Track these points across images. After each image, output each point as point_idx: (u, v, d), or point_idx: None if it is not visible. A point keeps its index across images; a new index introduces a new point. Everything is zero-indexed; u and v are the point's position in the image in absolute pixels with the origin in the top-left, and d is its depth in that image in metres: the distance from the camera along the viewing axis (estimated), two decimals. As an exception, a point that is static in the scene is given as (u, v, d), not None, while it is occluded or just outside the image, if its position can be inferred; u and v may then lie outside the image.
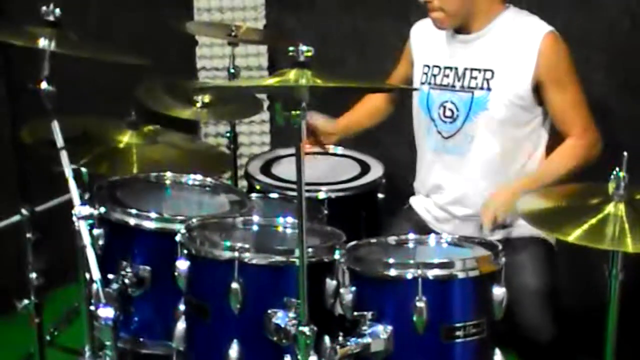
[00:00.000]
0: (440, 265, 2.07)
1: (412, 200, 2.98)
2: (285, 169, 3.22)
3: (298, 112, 1.86)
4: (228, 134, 3.53)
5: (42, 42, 2.36)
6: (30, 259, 2.64)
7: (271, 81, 1.97)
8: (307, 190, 2.93)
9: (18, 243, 2.66)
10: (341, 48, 3.92)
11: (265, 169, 3.23)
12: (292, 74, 1.90)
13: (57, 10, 2.42)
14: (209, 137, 4.21)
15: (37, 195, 2.73)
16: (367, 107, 3.14)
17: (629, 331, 2.20)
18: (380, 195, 3.12)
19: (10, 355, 2.99)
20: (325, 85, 1.91)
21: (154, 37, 3.67)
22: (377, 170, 3.20)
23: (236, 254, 2.09)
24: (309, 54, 1.90)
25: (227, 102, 3.36)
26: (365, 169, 3.23)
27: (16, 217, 2.63)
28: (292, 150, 3.16)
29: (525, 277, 2.50)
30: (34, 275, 2.64)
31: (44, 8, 2.43)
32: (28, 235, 2.62)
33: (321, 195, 2.97)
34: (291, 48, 1.91)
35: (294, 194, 2.92)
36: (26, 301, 2.65)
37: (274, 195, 2.97)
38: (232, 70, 3.49)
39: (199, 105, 3.23)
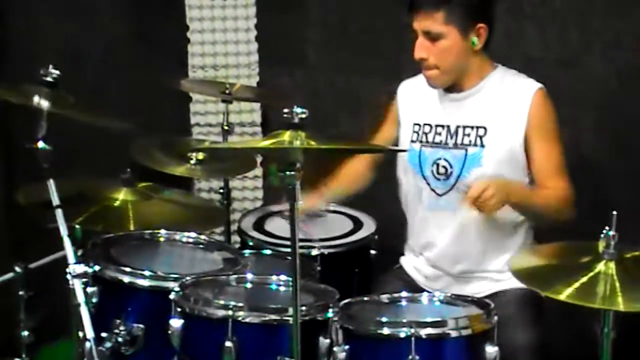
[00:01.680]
0: (433, 324, 2.07)
1: (402, 260, 2.96)
2: (278, 225, 3.19)
3: (293, 172, 1.87)
4: (221, 190, 3.52)
5: (40, 102, 2.38)
6: (22, 316, 2.64)
7: (266, 143, 1.98)
8: (301, 247, 2.98)
9: (10, 300, 2.67)
10: (334, 106, 3.93)
11: (258, 225, 3.21)
12: (286, 136, 1.92)
13: (56, 71, 2.45)
14: (202, 192, 4.19)
15: (31, 253, 2.73)
16: (349, 174, 3.11)
17: None
18: (372, 252, 3.10)
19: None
20: (319, 147, 1.92)
21: (149, 94, 3.68)
22: (369, 227, 3.19)
23: (230, 312, 2.09)
24: (303, 115, 1.91)
25: (221, 159, 3.38)
26: (357, 225, 3.21)
27: (9, 275, 2.63)
28: (284, 207, 3.20)
29: (516, 332, 2.48)
30: (25, 333, 2.64)
31: (43, 69, 2.45)
32: (21, 292, 2.64)
33: (314, 252, 2.94)
34: (286, 110, 1.93)
35: (287, 250, 2.95)
36: (17, 360, 2.66)
37: (267, 251, 2.96)
38: (226, 127, 3.50)
39: (193, 162, 3.24)
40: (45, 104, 2.39)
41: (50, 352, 2.80)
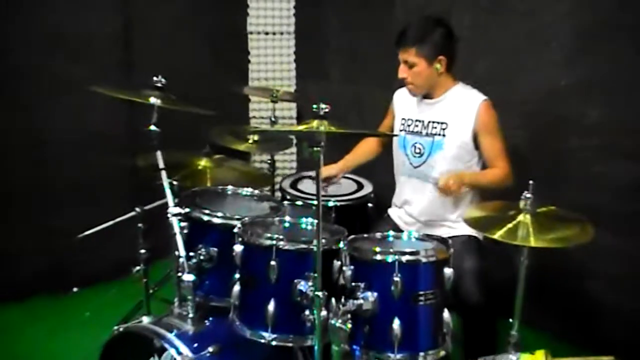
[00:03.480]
0: (411, 253, 2.05)
1: (389, 211, 2.94)
2: (307, 185, 3.18)
3: (318, 148, 1.85)
4: (269, 161, 3.49)
5: (153, 100, 2.39)
6: (140, 241, 2.66)
7: (300, 127, 1.95)
8: (322, 200, 2.96)
9: (132, 231, 2.68)
10: (345, 108, 3.87)
11: (294, 185, 3.19)
12: (314, 123, 1.90)
13: (163, 80, 2.45)
14: (256, 163, 4.20)
15: (145, 199, 2.72)
16: (364, 149, 3.07)
17: (531, 298, 2.17)
18: (369, 205, 3.07)
19: (127, 303, 2.95)
20: (338, 131, 1.90)
21: (222, 96, 3.64)
22: (368, 188, 3.16)
23: (274, 242, 2.07)
24: (327, 110, 1.90)
25: (269, 140, 3.33)
26: (360, 186, 3.18)
27: (132, 213, 2.63)
28: (312, 173, 3.19)
29: (463, 261, 2.45)
30: (143, 251, 2.66)
31: (155, 78, 2.46)
32: (139, 225, 2.66)
33: (330, 204, 2.92)
34: (315, 105, 1.90)
35: (314, 202, 2.94)
36: (137, 268, 2.67)
37: (299, 203, 2.92)
38: (273, 119, 3.47)
39: (250, 142, 3.20)
40: (156, 100, 2.39)
41: (158, 265, 2.80)
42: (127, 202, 2.71)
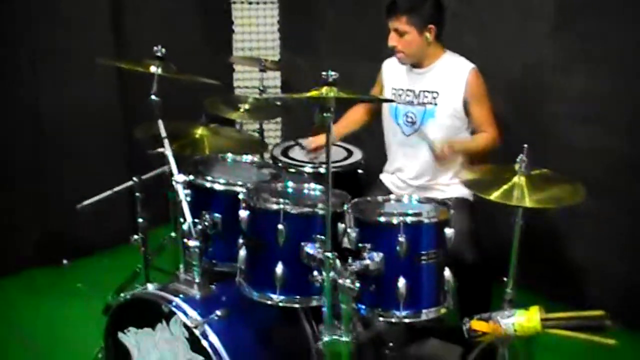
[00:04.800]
0: (414, 215, 2.10)
1: (382, 176, 3.00)
2: (296, 153, 3.19)
3: (328, 114, 1.86)
4: (258, 130, 3.50)
5: (153, 69, 2.38)
6: (138, 209, 2.66)
7: (313, 94, 1.90)
8: (313, 167, 3.00)
9: (130, 199, 2.68)
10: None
11: (284, 153, 3.21)
12: (324, 89, 1.88)
13: (163, 50, 2.43)
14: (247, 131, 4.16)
15: (142, 169, 2.72)
16: (353, 118, 3.09)
17: (528, 259, 2.25)
18: (359, 171, 3.11)
19: (126, 272, 2.96)
20: (346, 96, 1.89)
21: (207, 66, 3.61)
22: (357, 155, 3.20)
23: (282, 206, 2.09)
24: (335, 76, 1.89)
25: (259, 109, 3.31)
26: (350, 153, 3.22)
27: (130, 183, 2.63)
28: (302, 140, 3.20)
29: (457, 222, 2.50)
30: (140, 220, 2.66)
31: (155, 47, 2.44)
32: (137, 194, 2.64)
33: (321, 170, 2.94)
34: (324, 73, 1.88)
35: (304, 169, 2.98)
36: (136, 236, 2.66)
37: (292, 170, 2.97)
38: (262, 88, 3.47)
39: (242, 111, 3.21)
40: (157, 70, 2.37)
41: (155, 232, 2.81)
42: (124, 173, 2.71)
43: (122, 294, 2.32)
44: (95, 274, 3.37)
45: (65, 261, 3.42)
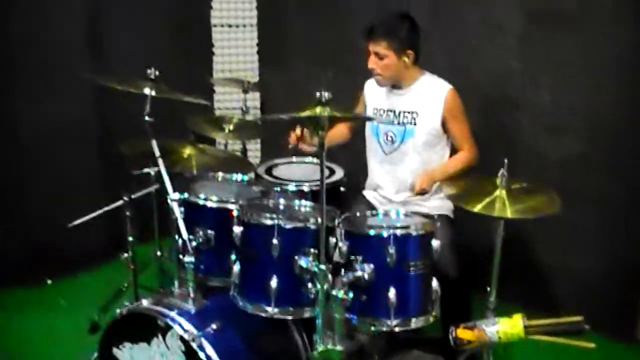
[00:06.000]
0: (402, 227, 2.19)
1: (364, 192, 3.07)
2: (282, 172, 3.24)
3: (322, 132, 1.96)
4: (241, 149, 3.56)
5: (147, 90, 2.42)
6: (128, 227, 2.69)
7: (306, 113, 1.99)
8: (297, 185, 3.05)
9: (120, 218, 2.71)
10: (308, 97, 3.92)
11: (269, 172, 3.25)
12: (317, 109, 1.97)
13: (156, 72, 2.48)
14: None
15: (129, 188, 2.76)
16: (334, 133, 3.14)
17: (506, 270, 2.32)
18: (342, 189, 3.14)
19: (109, 289, 2.99)
20: (339, 116, 2.00)
21: (189, 88, 3.67)
22: (340, 173, 3.23)
23: (276, 221, 2.16)
24: (329, 97, 1.96)
25: (242, 129, 3.34)
26: (332, 172, 3.26)
27: (119, 202, 2.67)
28: (284, 160, 3.27)
29: (438, 235, 2.59)
30: (130, 238, 2.70)
31: (148, 70, 2.49)
32: (127, 213, 2.68)
33: (305, 189, 2.98)
34: (318, 93, 1.97)
35: (290, 187, 3.03)
36: (126, 254, 2.70)
37: (277, 189, 2.96)
38: (244, 109, 3.54)
39: (227, 131, 3.25)
40: (151, 92, 2.42)
41: (143, 249, 2.84)
42: (114, 192, 2.75)
43: (117, 310, 2.34)
44: (79, 292, 3.38)
45: (49, 280, 3.43)
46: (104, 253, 3.30)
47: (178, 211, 2.29)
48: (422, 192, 2.69)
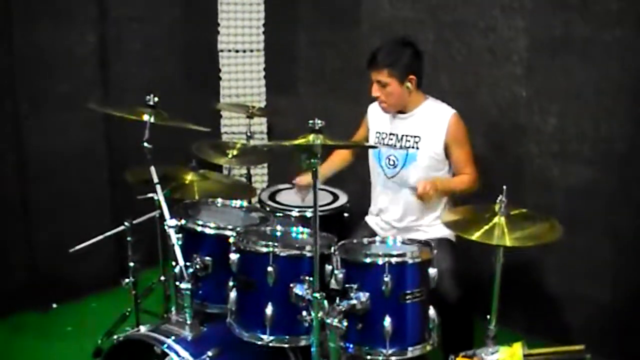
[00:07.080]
0: (398, 255, 2.17)
1: (367, 218, 3.05)
2: (285, 197, 3.26)
3: (315, 160, 1.96)
4: (246, 175, 3.57)
5: (146, 117, 2.45)
6: (130, 253, 2.71)
7: (300, 141, 1.99)
8: (300, 211, 3.07)
9: (122, 243, 2.74)
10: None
11: (272, 197, 3.27)
12: (311, 137, 1.96)
13: (156, 98, 2.51)
14: (235, 176, 4.21)
15: (127, 213, 2.78)
16: (338, 158, 3.16)
17: (506, 296, 2.32)
18: (345, 214, 3.17)
19: (114, 314, 3.00)
20: (332, 144, 1.99)
21: (196, 114, 3.69)
22: (343, 199, 3.26)
23: (271, 249, 2.17)
24: (322, 125, 1.97)
25: (247, 154, 3.37)
26: (335, 197, 3.28)
27: (121, 227, 2.68)
28: (288, 185, 3.29)
29: (441, 263, 2.51)
30: (132, 263, 2.71)
31: (148, 96, 2.52)
32: (129, 238, 2.70)
33: (308, 215, 3.02)
34: (311, 121, 1.97)
35: (291, 213, 3.05)
36: (127, 280, 2.71)
37: (279, 214, 3.03)
38: (249, 134, 3.56)
39: (230, 156, 3.28)
40: (150, 118, 2.44)
41: (145, 275, 2.85)
42: (115, 217, 2.77)
43: (114, 336, 2.35)
44: (84, 317, 3.40)
45: (55, 305, 3.45)
46: (110, 278, 3.31)
47: (175, 237, 2.30)
48: (424, 197, 2.66)
